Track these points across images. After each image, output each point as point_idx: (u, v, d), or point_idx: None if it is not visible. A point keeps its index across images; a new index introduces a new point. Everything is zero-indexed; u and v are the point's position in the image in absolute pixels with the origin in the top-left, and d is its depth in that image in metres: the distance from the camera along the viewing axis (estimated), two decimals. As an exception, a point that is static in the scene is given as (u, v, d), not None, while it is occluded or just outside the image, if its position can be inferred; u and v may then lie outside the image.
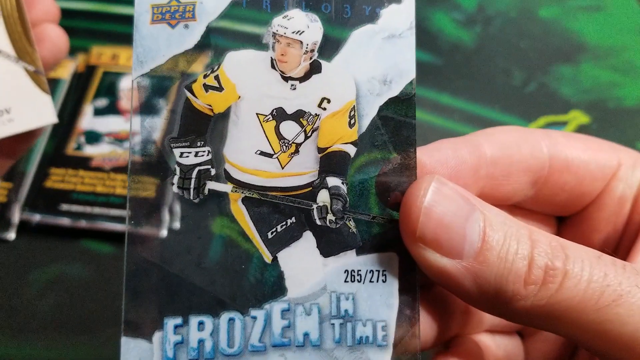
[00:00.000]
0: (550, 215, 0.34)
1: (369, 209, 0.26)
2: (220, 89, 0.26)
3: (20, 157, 0.45)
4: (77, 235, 0.53)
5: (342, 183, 0.26)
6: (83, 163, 0.57)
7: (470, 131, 0.57)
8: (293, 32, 0.26)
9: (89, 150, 0.58)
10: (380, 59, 0.26)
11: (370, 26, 0.27)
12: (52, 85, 0.61)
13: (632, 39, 0.65)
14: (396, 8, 0.27)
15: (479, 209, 0.25)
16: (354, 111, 0.26)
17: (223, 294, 0.25)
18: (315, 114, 0.26)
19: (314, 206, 0.26)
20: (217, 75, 0.26)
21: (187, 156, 0.25)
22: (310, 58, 0.26)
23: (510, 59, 0.63)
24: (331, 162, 0.26)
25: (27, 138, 0.41)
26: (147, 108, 0.25)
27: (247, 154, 0.26)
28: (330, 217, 0.26)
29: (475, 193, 0.30)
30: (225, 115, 0.26)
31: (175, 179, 0.25)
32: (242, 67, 0.26)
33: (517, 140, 0.31)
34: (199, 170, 0.25)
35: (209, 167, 0.25)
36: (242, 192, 0.25)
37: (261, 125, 0.26)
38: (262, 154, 0.26)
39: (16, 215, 0.54)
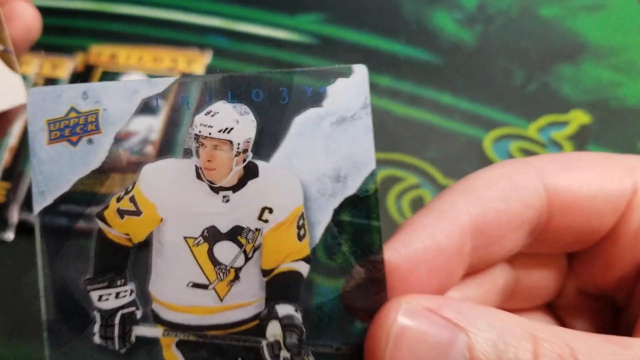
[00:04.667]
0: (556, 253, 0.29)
1: (332, 338, 0.21)
2: (137, 212, 0.21)
3: None
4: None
5: (296, 310, 0.21)
6: (81, 163, 0.57)
7: (471, 131, 0.59)
8: (219, 131, 0.21)
9: (87, 150, 0.58)
10: (331, 151, 0.21)
11: (314, 110, 0.21)
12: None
13: (634, 38, 0.64)
14: (345, 83, 0.21)
15: (463, 330, 0.20)
16: (303, 219, 0.21)
17: None
18: (256, 228, 0.21)
19: (263, 343, 0.21)
20: (133, 196, 0.21)
21: (107, 299, 0.21)
22: (244, 160, 0.21)
23: (511, 58, 0.63)
24: (280, 286, 0.21)
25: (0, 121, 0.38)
26: (55, 249, 0.21)
27: (177, 288, 0.21)
28: (284, 354, 0.21)
29: (461, 272, 0.25)
30: (147, 244, 0.21)
31: (97, 328, 0.21)
32: (161, 182, 0.21)
33: (504, 191, 0.25)
34: (122, 315, 0.21)
35: (134, 308, 0.21)
36: (176, 335, 0.21)
37: (191, 250, 0.21)
38: (195, 285, 0.21)
39: (15, 216, 0.52)
